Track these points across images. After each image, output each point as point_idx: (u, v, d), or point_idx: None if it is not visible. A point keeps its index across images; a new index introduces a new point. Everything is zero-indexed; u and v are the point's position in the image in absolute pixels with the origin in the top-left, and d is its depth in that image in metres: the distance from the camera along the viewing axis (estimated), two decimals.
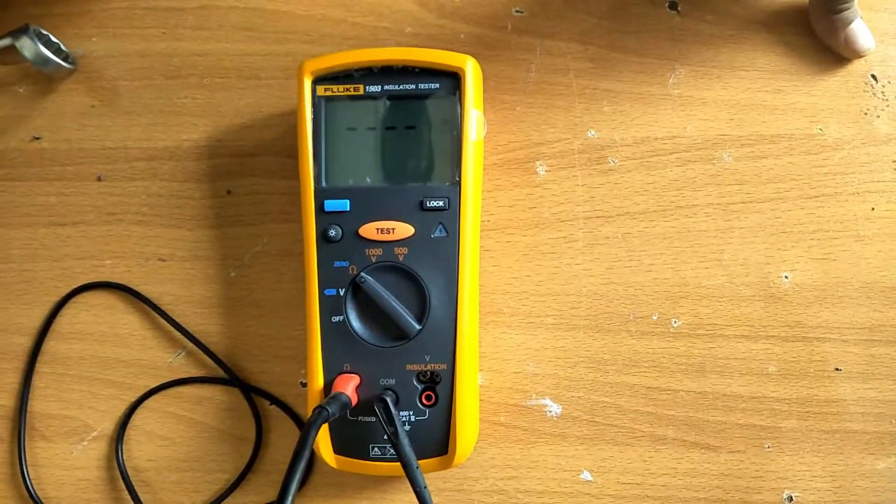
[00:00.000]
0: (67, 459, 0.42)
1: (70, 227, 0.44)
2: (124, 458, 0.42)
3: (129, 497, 0.41)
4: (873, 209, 0.40)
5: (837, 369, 0.40)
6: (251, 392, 0.41)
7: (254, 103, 0.44)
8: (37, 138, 0.45)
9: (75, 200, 0.44)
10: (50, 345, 0.43)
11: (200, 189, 0.43)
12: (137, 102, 0.44)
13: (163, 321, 0.42)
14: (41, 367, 0.43)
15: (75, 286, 0.43)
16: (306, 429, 0.30)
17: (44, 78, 0.45)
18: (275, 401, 0.41)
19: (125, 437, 0.42)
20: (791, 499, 0.39)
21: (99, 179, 0.44)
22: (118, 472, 0.41)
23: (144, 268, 0.43)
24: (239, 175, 0.43)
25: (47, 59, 0.43)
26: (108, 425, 0.42)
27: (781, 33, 0.42)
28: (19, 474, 0.42)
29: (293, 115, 0.39)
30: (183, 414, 0.42)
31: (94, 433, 0.42)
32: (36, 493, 0.42)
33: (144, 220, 0.43)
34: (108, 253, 0.43)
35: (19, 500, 0.42)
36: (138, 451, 0.42)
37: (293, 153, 0.40)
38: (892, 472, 0.39)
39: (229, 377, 0.41)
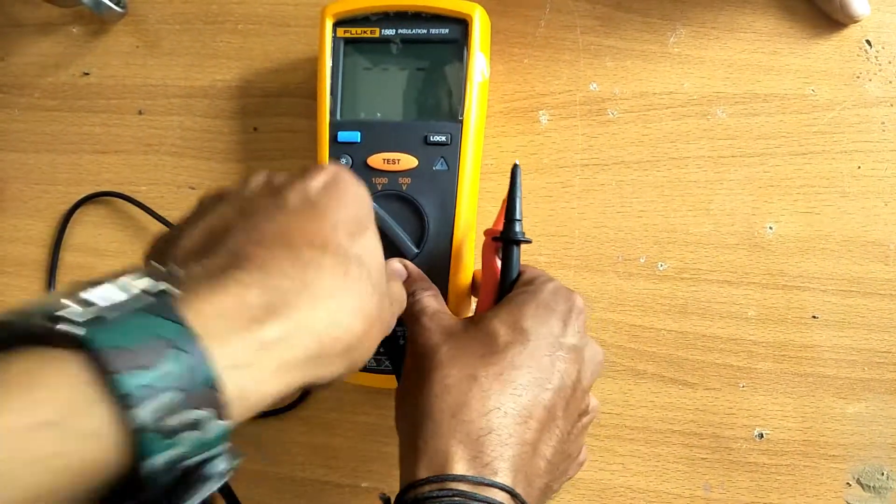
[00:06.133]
0: None
1: (112, 155, 0.48)
2: None
3: None
4: (859, 168, 0.42)
5: (814, 317, 0.42)
6: None
7: (282, 49, 0.47)
8: (86, 74, 0.49)
9: (117, 131, 0.48)
10: (85, 259, 0.47)
11: (230, 125, 0.47)
12: (178, 45, 0.48)
13: None
14: (78, 279, 0.47)
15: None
16: None
17: (96, 20, 0.49)
18: None
19: None
20: (761, 436, 0.41)
21: (140, 113, 0.48)
22: None
23: (176, 195, 0.47)
24: (265, 114, 0.47)
25: (100, 3, 0.47)
26: None
27: None
28: None
29: (317, 61, 0.43)
30: None
31: None
32: None
33: (178, 151, 0.47)
34: (144, 180, 0.47)
35: None
36: None
37: (315, 95, 0.43)
38: (861, 417, 0.41)
39: None
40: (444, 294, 0.39)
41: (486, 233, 0.37)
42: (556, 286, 0.34)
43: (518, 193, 0.36)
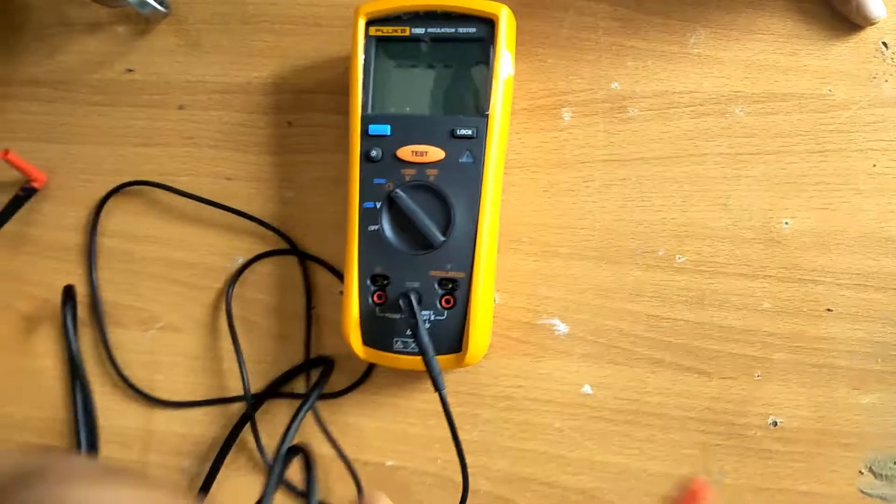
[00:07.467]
0: (138, 344, 0.49)
1: (154, 147, 0.50)
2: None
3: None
4: (874, 166, 0.43)
5: (829, 310, 0.43)
6: (307, 259, 0.48)
7: (316, 47, 0.49)
8: (130, 70, 0.52)
9: (159, 125, 0.51)
10: (126, 245, 0.50)
11: (265, 120, 0.50)
12: (217, 44, 0.51)
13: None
14: (119, 264, 0.50)
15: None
16: None
17: (140, 19, 0.52)
18: (324, 264, 0.48)
19: (178, 326, 0.48)
20: (775, 423, 0.42)
21: (180, 108, 0.51)
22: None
23: (214, 185, 0.49)
24: (299, 109, 0.49)
25: (145, 3, 0.49)
26: (173, 317, 0.49)
27: (797, 1, 0.45)
28: (105, 354, 0.49)
29: (349, 59, 0.45)
30: (237, 313, 0.48)
31: (161, 323, 0.49)
32: (124, 373, 0.49)
33: (217, 144, 0.50)
34: (184, 171, 0.50)
35: (106, 377, 0.49)
36: (196, 339, 0.48)
37: (347, 92, 0.45)
38: (874, 408, 0.42)
39: (290, 247, 0.48)
40: (468, 282, 0.41)
41: None
42: None
43: None
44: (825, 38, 0.45)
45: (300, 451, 0.39)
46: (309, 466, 0.39)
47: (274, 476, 0.38)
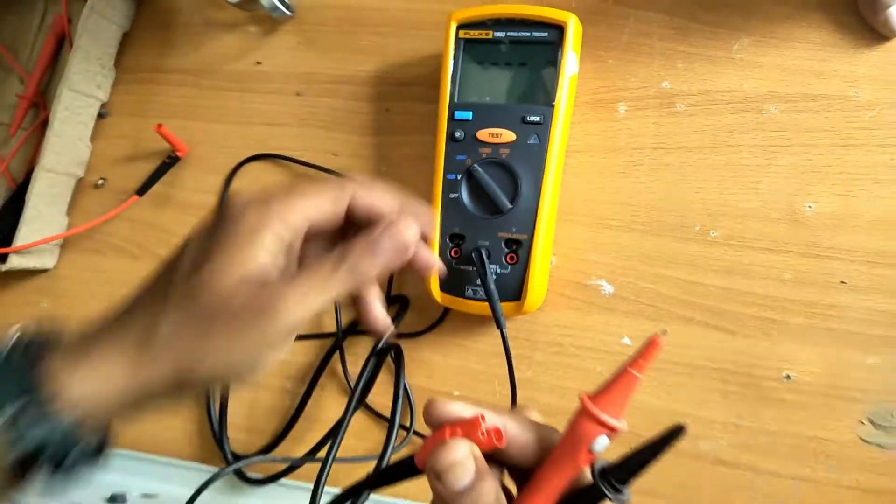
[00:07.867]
0: None
1: (275, 127, 0.61)
2: None
3: None
4: (893, 158, 0.49)
5: (843, 282, 0.49)
6: None
7: (412, 47, 0.59)
8: (258, 63, 0.62)
9: (280, 109, 0.61)
10: None
11: (368, 107, 0.59)
12: (331, 42, 0.61)
13: None
14: None
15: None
16: None
17: (268, 21, 0.63)
18: None
19: None
20: (789, 377, 0.49)
21: (298, 95, 0.61)
22: None
23: (323, 159, 0.60)
24: (396, 98, 0.59)
25: (276, 8, 0.60)
26: None
27: (833, 13, 0.52)
28: None
29: (440, 57, 0.54)
30: None
31: None
32: None
33: (327, 125, 0.60)
34: (299, 147, 0.60)
35: None
36: None
37: (436, 85, 0.54)
38: (879, 368, 0.48)
39: None
40: (529, 243, 0.50)
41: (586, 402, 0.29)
42: None
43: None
44: (855, 47, 0.51)
45: (392, 348, 0.51)
46: (399, 356, 0.51)
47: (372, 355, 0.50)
